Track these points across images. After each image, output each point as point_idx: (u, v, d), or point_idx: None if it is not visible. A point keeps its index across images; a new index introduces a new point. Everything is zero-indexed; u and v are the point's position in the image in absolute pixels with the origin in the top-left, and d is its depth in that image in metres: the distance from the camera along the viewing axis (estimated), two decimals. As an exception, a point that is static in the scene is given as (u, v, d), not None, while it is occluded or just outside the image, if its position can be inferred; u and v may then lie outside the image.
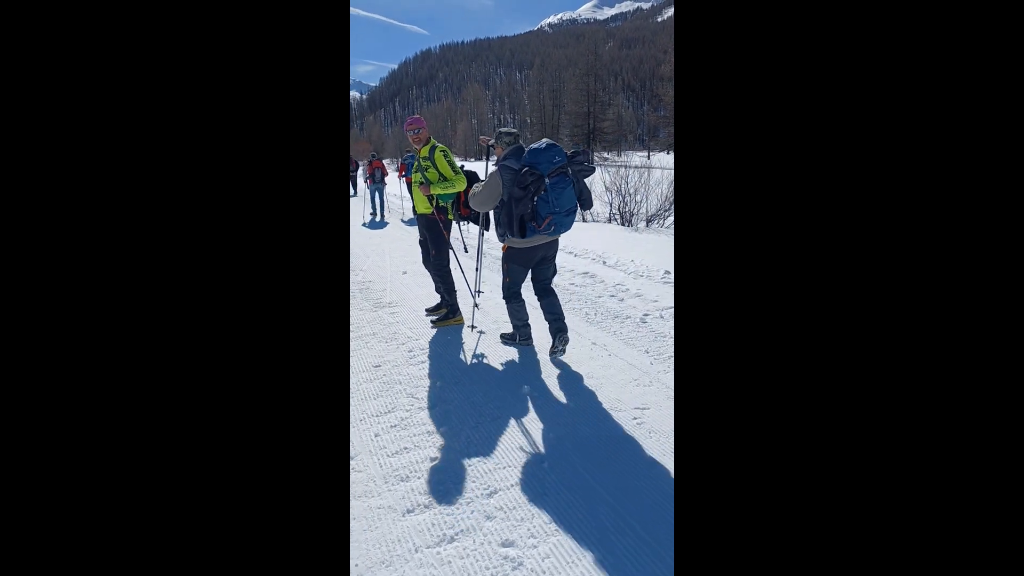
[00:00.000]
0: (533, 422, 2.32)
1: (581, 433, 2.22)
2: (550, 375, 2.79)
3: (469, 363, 3.01)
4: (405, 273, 5.26)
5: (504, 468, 2.00)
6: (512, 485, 1.89)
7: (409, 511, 1.78)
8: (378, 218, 10.00)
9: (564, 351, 2.98)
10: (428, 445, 2.18)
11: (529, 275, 3.07)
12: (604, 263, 5.15)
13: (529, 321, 3.15)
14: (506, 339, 3.31)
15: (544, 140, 2.75)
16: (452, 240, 3.63)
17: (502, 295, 3.14)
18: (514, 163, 2.71)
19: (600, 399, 2.50)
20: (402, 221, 9.67)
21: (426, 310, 3.90)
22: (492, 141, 3.00)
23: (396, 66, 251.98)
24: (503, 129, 2.94)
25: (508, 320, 3.30)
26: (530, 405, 2.48)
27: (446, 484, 1.92)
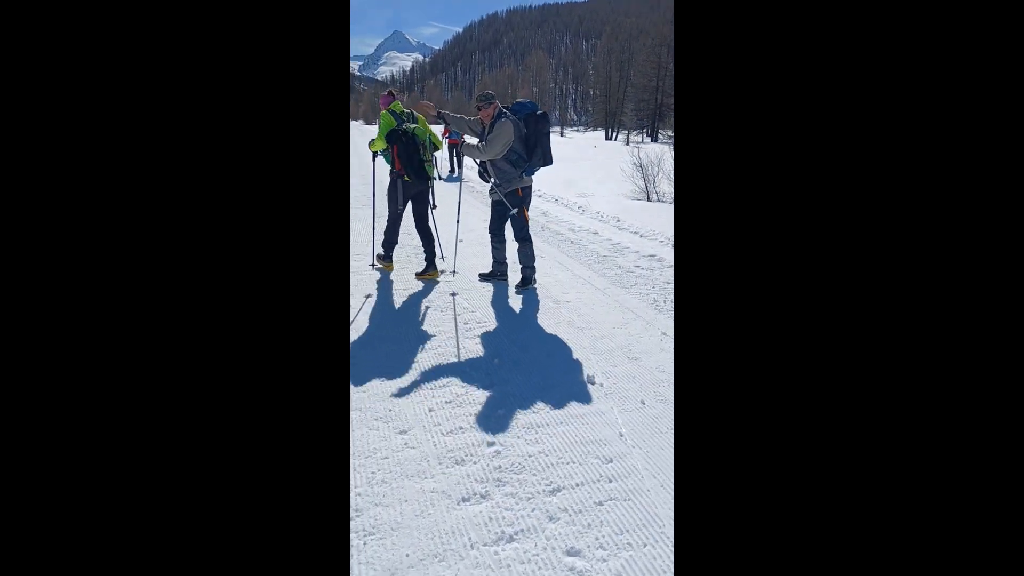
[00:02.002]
0: (600, 415, 2.13)
1: (652, 434, 2.01)
2: (619, 364, 2.57)
3: (529, 340, 2.83)
4: (461, 241, 5.11)
5: (568, 464, 1.82)
6: (577, 484, 1.72)
7: (464, 499, 1.64)
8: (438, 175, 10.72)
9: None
10: (484, 427, 2.04)
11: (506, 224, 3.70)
12: (673, 246, 4.80)
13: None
14: (520, 288, 3.67)
15: (520, 99, 3.59)
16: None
17: (519, 238, 3.62)
18: (511, 114, 3.46)
19: (672, 397, 2.27)
20: (441, 178, 10.04)
21: (480, 275, 3.91)
22: (480, 104, 3.51)
23: (461, 29, 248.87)
24: (487, 92, 3.59)
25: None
26: (596, 395, 2.28)
27: (505, 473, 1.76)
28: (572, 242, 5.10)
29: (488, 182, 3.64)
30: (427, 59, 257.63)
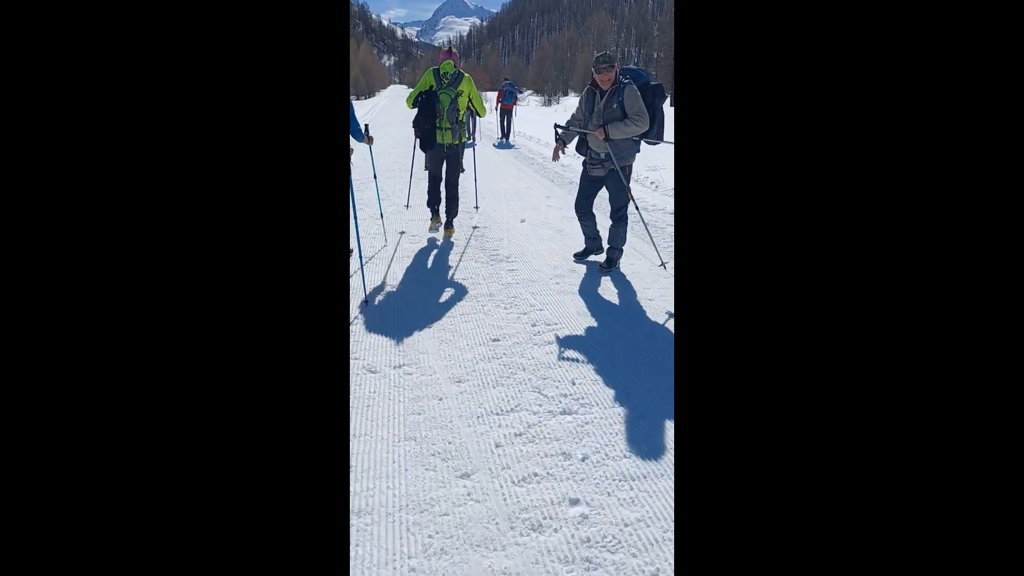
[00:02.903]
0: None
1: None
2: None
3: (609, 351, 2.39)
4: (523, 221, 4.68)
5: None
6: None
7: (545, 590, 1.26)
8: (470, 140, 11.09)
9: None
10: (564, 475, 1.64)
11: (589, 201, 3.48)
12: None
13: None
14: (605, 269, 3.39)
15: (631, 66, 3.36)
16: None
17: (618, 217, 3.33)
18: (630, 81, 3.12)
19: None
20: (494, 145, 10.09)
21: (575, 255, 3.67)
22: (603, 66, 3.07)
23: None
24: (607, 52, 3.21)
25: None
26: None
27: (596, 551, 1.37)
28: (647, 223, 4.53)
29: (583, 155, 3.32)
30: (484, 23, 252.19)
